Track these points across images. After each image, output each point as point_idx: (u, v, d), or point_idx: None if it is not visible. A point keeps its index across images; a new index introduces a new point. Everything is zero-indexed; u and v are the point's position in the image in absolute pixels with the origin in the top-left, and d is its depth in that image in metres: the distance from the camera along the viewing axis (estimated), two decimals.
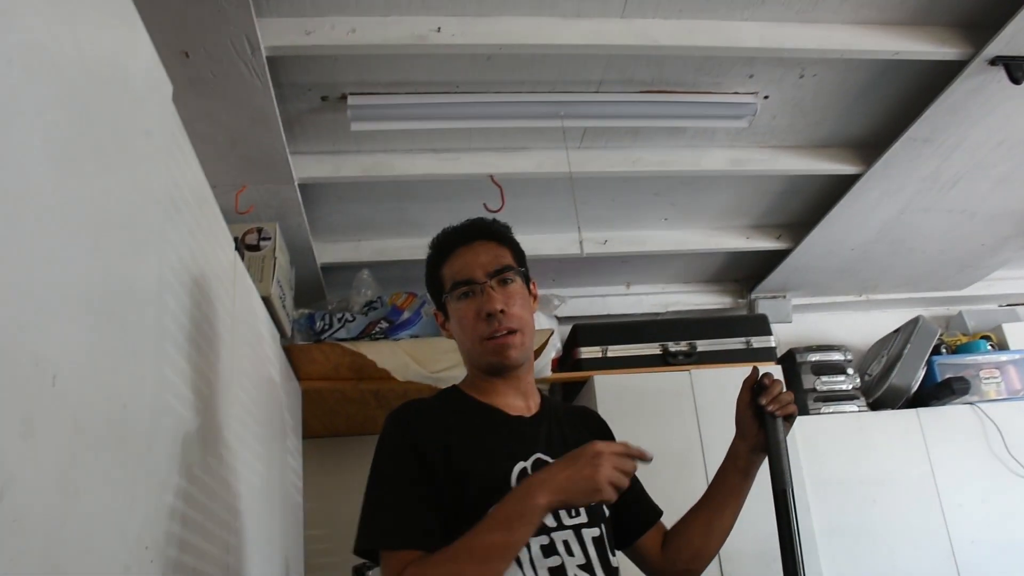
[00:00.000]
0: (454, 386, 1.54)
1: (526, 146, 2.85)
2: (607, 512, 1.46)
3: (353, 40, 2.11)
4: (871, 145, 2.95)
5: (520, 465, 1.38)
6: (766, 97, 2.64)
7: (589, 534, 1.37)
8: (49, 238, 0.88)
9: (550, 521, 1.33)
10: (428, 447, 1.34)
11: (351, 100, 2.41)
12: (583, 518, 1.38)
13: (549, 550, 1.31)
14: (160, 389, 1.26)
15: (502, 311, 1.42)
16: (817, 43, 2.30)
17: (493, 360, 1.44)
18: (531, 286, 1.55)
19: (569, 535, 1.35)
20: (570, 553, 1.33)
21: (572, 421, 1.56)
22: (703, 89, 2.57)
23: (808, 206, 3.40)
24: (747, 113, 2.63)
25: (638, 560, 1.58)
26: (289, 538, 2.56)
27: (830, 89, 2.63)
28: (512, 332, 1.43)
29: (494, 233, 1.53)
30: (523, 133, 2.77)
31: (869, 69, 2.52)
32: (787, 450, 1.42)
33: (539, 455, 1.41)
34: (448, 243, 1.52)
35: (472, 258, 1.47)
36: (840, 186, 3.13)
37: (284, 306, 2.73)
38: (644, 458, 1.28)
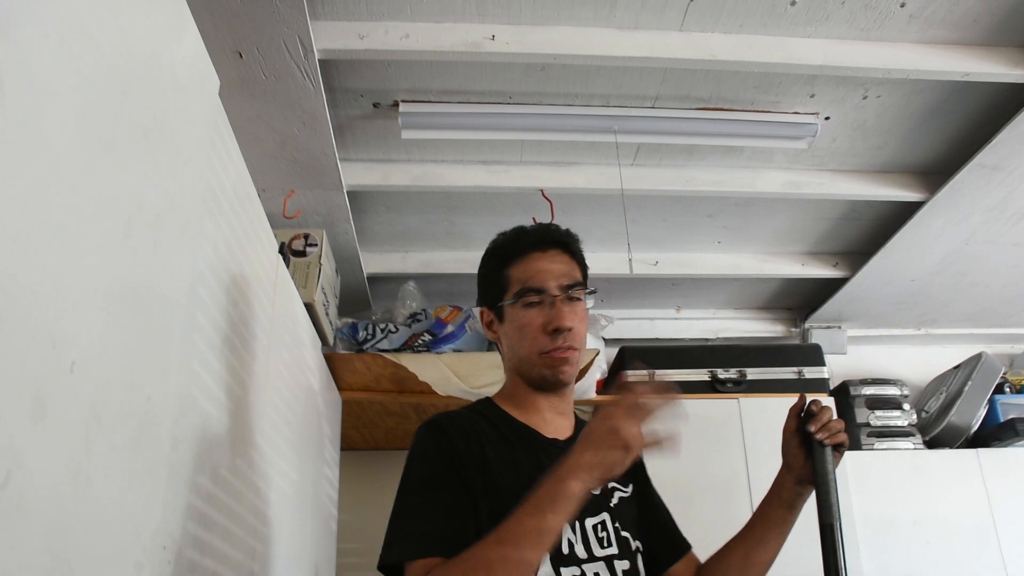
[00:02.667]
0: (488, 399, 1.47)
1: (578, 161, 2.81)
2: (638, 546, 1.40)
3: (406, 46, 2.09)
4: (935, 171, 2.85)
5: None
6: (827, 118, 2.56)
7: (620, 567, 1.32)
8: (76, 221, 0.85)
9: (581, 552, 1.28)
10: (466, 459, 1.28)
11: (403, 107, 2.39)
12: (614, 549, 1.33)
13: None
14: (188, 384, 1.23)
15: (570, 329, 1.36)
16: (883, 62, 2.22)
17: (547, 374, 1.38)
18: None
19: (601, 567, 1.29)
20: None
21: None
22: (762, 108, 2.50)
23: (867, 233, 3.30)
24: (807, 134, 2.55)
25: None
26: (320, 550, 2.52)
27: (894, 111, 2.54)
28: (570, 350, 1.38)
29: (569, 245, 1.46)
30: (575, 148, 2.73)
31: (936, 91, 2.43)
32: (836, 482, 1.33)
33: None
34: (522, 244, 1.44)
35: (547, 267, 1.40)
36: (901, 214, 3.02)
37: (327, 314, 2.72)
38: (663, 398, 1.13)
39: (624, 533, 1.37)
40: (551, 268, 1.40)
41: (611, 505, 1.38)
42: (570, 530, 1.29)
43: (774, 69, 2.24)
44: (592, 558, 1.29)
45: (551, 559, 1.24)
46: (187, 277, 1.24)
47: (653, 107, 2.48)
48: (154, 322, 1.08)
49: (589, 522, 1.33)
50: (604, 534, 1.33)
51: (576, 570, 1.26)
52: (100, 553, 0.90)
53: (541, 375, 1.39)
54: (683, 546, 1.50)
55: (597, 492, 1.37)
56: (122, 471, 0.96)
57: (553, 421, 1.43)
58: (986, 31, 2.20)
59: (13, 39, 0.73)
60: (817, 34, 2.21)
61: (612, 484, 1.41)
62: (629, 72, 2.33)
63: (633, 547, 1.37)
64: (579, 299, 1.41)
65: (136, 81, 1.03)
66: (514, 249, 1.44)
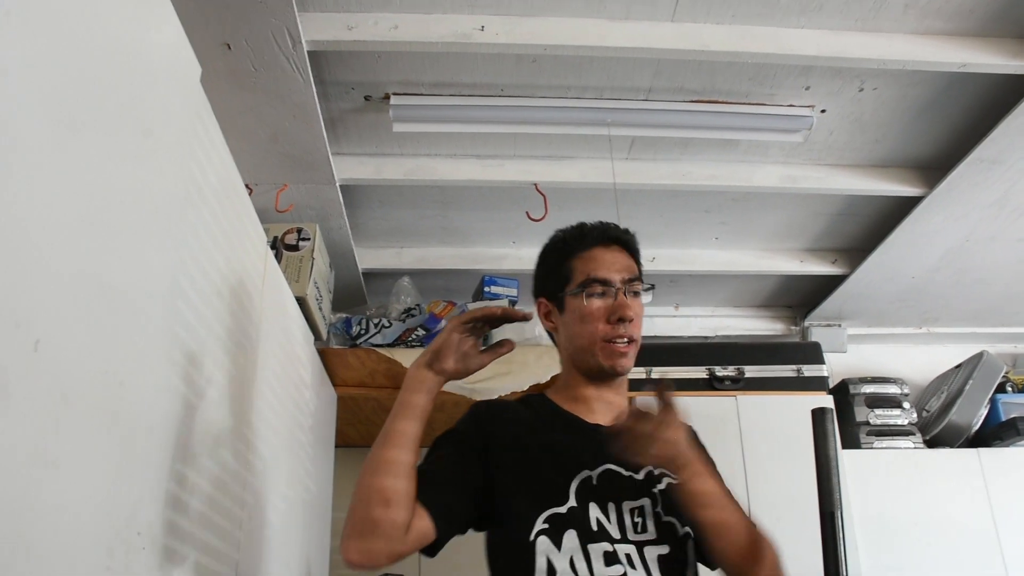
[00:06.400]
0: (540, 393, 1.53)
1: (571, 155, 2.79)
2: (688, 531, 1.36)
3: (395, 36, 2.08)
4: (934, 166, 2.82)
5: (585, 473, 1.34)
6: (823, 111, 2.54)
7: (656, 551, 1.31)
8: (42, 203, 0.84)
9: (615, 533, 1.30)
10: (500, 444, 1.36)
11: (394, 100, 2.38)
12: (650, 535, 1.32)
13: (611, 558, 1.27)
14: (167, 372, 1.22)
15: (631, 320, 1.41)
16: (878, 53, 2.20)
17: (604, 363, 1.41)
18: None
19: (632, 549, 1.30)
20: (632, 567, 1.28)
21: None
22: (757, 100, 2.48)
23: (866, 229, 3.27)
24: (803, 127, 2.53)
25: None
26: (313, 545, 2.50)
27: (891, 104, 2.52)
28: (630, 342, 1.42)
29: (629, 244, 1.51)
30: (569, 141, 2.71)
31: (933, 83, 2.41)
32: (838, 470, 1.31)
33: (609, 466, 1.36)
34: (586, 237, 1.49)
35: (612, 260, 1.46)
36: (900, 209, 3.00)
37: (320, 308, 2.70)
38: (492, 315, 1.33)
39: (668, 518, 1.35)
40: (616, 262, 1.46)
41: (655, 490, 1.37)
42: (600, 510, 1.31)
43: (767, 60, 2.23)
44: (624, 540, 1.30)
45: (579, 536, 1.28)
46: (167, 266, 1.22)
47: (647, 99, 2.47)
48: (127, 308, 1.06)
49: (627, 505, 1.34)
50: (640, 519, 1.34)
51: (607, 546, 1.28)
52: (66, 537, 0.89)
53: (598, 364, 1.42)
54: None
55: (640, 477, 1.38)
56: (92, 454, 0.95)
57: (600, 411, 1.46)
58: (983, 21, 2.18)
59: None
60: (811, 24, 2.19)
61: (661, 470, 1.40)
62: (622, 64, 2.31)
63: (680, 532, 1.36)
64: (638, 294, 1.46)
65: (109, 67, 1.01)
66: (578, 242, 1.50)
